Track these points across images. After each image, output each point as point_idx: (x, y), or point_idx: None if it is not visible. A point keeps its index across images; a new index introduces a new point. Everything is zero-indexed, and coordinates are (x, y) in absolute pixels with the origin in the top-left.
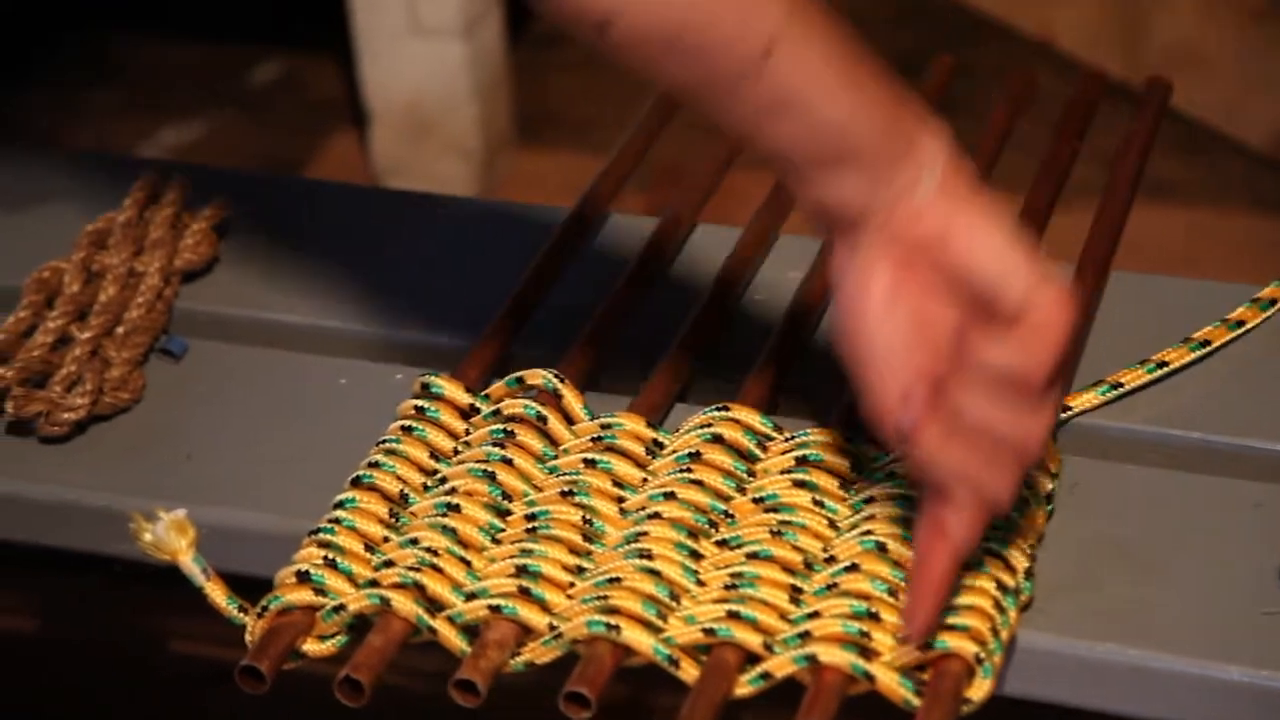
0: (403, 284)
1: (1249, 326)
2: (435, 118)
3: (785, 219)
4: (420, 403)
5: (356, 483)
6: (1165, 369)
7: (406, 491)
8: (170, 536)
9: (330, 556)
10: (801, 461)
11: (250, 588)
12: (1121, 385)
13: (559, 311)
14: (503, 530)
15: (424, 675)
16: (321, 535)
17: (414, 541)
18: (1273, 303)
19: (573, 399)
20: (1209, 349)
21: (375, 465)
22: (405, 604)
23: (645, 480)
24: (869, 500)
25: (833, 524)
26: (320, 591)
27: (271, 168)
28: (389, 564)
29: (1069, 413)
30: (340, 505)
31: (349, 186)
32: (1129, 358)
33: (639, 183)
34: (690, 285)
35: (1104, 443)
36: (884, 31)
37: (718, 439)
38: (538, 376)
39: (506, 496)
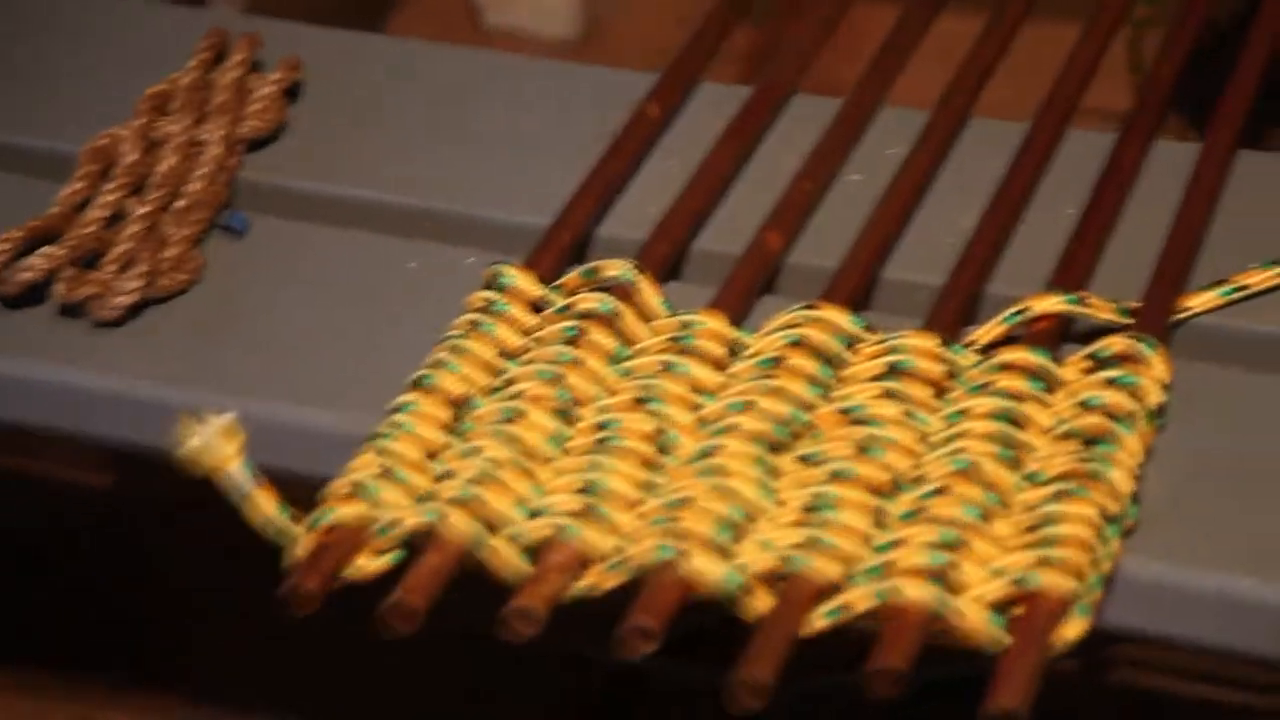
0: (484, 158)
1: None
2: None
3: (887, 90)
4: (489, 294)
5: (418, 384)
6: None
7: (471, 394)
8: (218, 443)
9: (387, 465)
10: (893, 369)
11: (309, 489)
12: (1247, 287)
13: (644, 191)
14: (571, 439)
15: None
16: (379, 442)
17: (476, 450)
18: None
19: (650, 293)
20: None
21: (438, 365)
22: (463, 521)
23: (725, 385)
24: (964, 413)
25: (924, 438)
26: (375, 504)
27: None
28: (449, 475)
29: (1185, 313)
30: (400, 409)
31: (431, 46)
32: (1258, 252)
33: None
34: (783, 163)
35: (1223, 346)
36: None
37: (803, 341)
38: (615, 266)
39: (576, 401)
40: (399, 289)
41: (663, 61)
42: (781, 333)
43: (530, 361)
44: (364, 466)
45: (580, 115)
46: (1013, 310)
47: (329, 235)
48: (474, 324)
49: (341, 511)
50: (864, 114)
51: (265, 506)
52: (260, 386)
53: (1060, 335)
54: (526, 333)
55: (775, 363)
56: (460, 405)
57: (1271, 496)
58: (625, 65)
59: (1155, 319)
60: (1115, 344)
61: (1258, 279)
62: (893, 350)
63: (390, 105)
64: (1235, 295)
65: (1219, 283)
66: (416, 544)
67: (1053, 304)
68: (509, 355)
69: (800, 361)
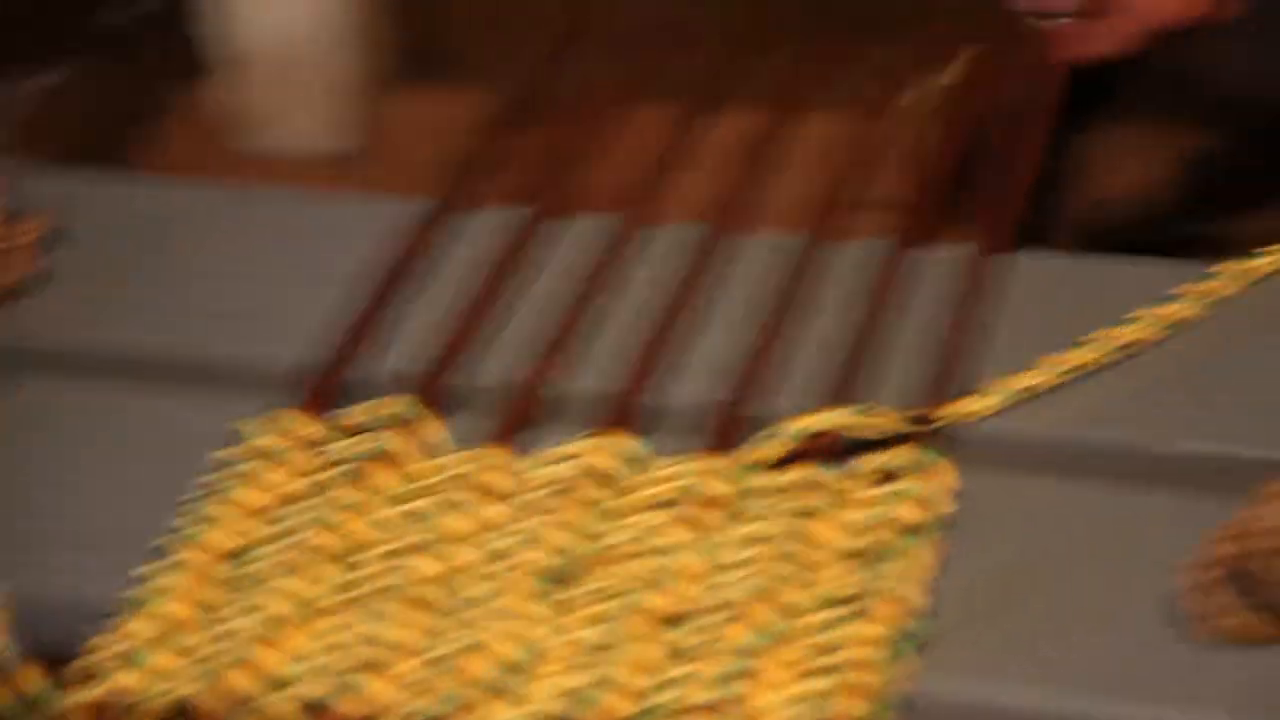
0: (249, 296)
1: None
2: (307, 61)
3: (657, 206)
4: (264, 439)
5: (189, 538)
6: (1070, 374)
7: (247, 545)
8: None
9: (159, 629)
10: (680, 493)
11: (77, 660)
12: (1028, 389)
13: (418, 322)
14: (354, 587)
15: None
16: (150, 604)
17: (254, 607)
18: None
19: (432, 428)
20: (1121, 350)
21: (210, 518)
22: (241, 682)
23: (511, 520)
24: (753, 535)
25: (714, 563)
26: (148, 671)
27: (129, 121)
28: (226, 634)
29: (967, 419)
30: (171, 567)
31: (187, 185)
32: (1034, 352)
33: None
34: (557, 287)
35: (1002, 450)
36: None
37: (587, 470)
38: (393, 403)
39: (359, 547)
40: (165, 439)
41: (440, 174)
42: (564, 462)
43: (309, 507)
44: (134, 632)
45: (347, 245)
46: (797, 426)
47: (85, 389)
48: (248, 470)
49: (113, 682)
50: (634, 232)
51: (31, 684)
52: (12, 557)
53: (846, 448)
54: (305, 476)
55: (560, 493)
56: (236, 557)
57: (1063, 602)
58: (399, 180)
59: (936, 429)
60: (899, 455)
61: (1036, 380)
62: (678, 474)
63: (148, 248)
64: (1016, 399)
65: (999, 386)
66: (193, 709)
67: (835, 417)
68: (287, 501)
69: (585, 491)
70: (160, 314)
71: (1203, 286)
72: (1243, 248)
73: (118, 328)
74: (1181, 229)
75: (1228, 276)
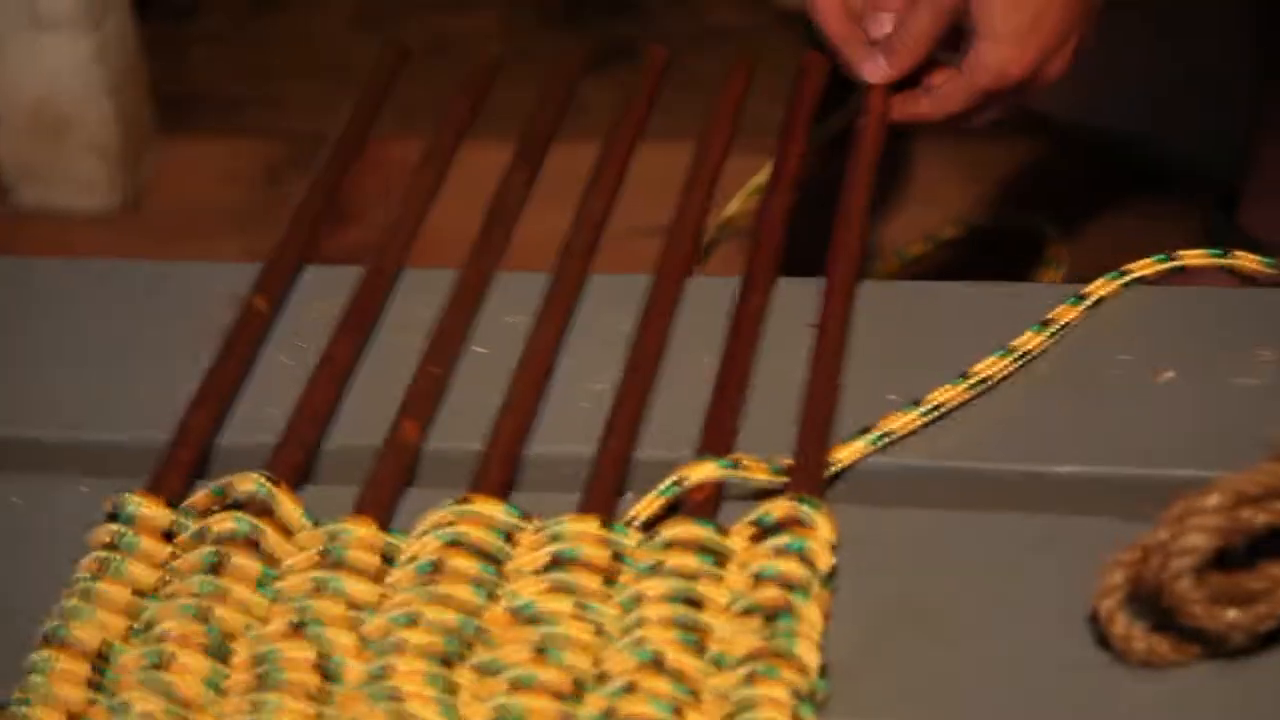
0: (79, 374)
1: (1025, 353)
2: (68, 116)
3: (501, 254)
4: (114, 528)
5: (49, 639)
6: (938, 410)
7: (110, 641)
8: None
9: None
10: (557, 559)
11: None
12: (892, 433)
13: (261, 391)
14: (227, 678)
15: None
16: (12, 710)
17: (125, 706)
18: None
19: (289, 505)
20: (984, 382)
21: (69, 614)
22: None
23: (384, 597)
24: (638, 599)
25: (600, 630)
26: None
27: None
28: None
29: (837, 465)
30: (32, 670)
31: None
32: (892, 387)
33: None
34: (404, 343)
35: (876, 486)
36: None
37: (460, 540)
38: (246, 481)
39: (227, 636)
40: (5, 531)
41: (211, 224)
42: (435, 533)
43: (171, 597)
44: None
45: (175, 315)
46: (669, 481)
47: None
48: (102, 563)
49: None
50: (480, 282)
51: None
52: None
53: (718, 501)
54: (161, 565)
55: (434, 567)
56: (100, 656)
57: (960, 639)
58: (172, 232)
59: (811, 477)
60: (778, 508)
61: (901, 423)
62: (554, 538)
63: None
64: (883, 442)
65: (865, 430)
66: None
67: (709, 471)
68: (145, 593)
69: (460, 563)
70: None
71: (1060, 310)
72: None
73: None
74: None
75: (1069, 301)
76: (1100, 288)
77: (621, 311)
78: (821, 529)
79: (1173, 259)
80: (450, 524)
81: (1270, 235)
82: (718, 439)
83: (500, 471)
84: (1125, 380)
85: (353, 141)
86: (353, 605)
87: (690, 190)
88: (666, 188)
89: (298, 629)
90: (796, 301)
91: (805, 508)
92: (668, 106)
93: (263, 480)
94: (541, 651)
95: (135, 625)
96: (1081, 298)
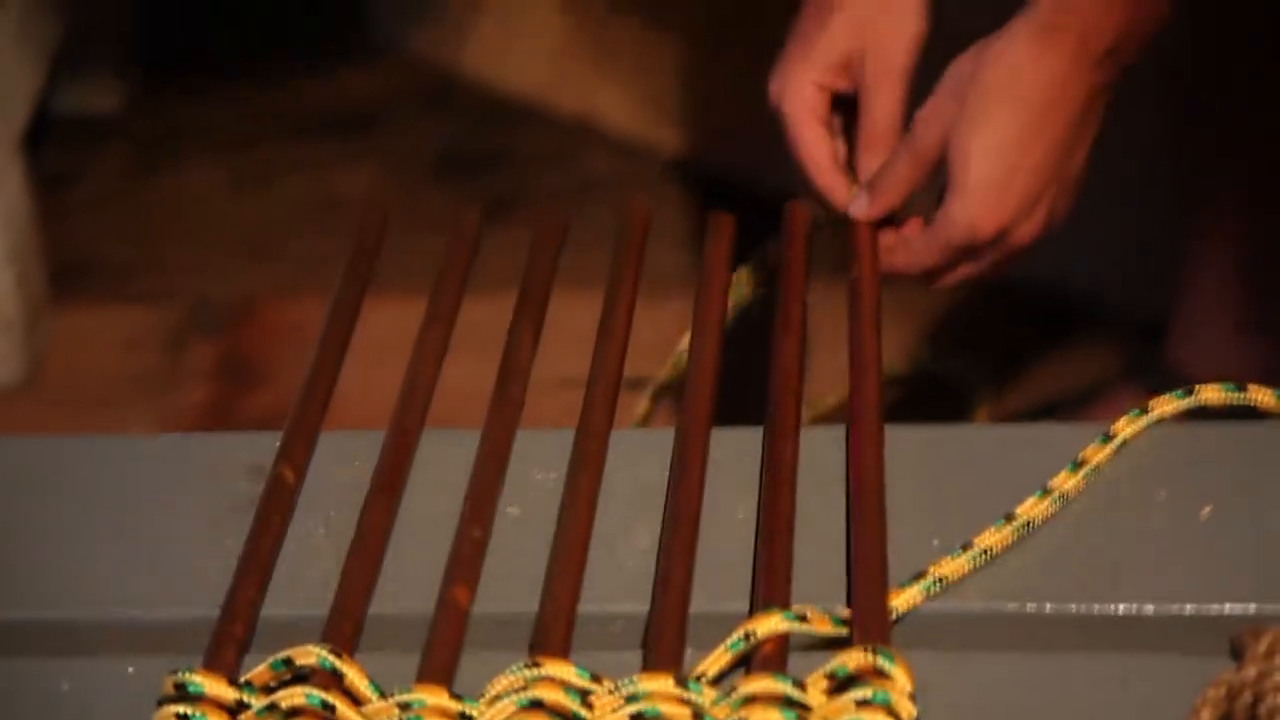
0: (115, 553)
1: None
2: None
3: (519, 415)
4: (178, 709)
5: None
6: (987, 554)
7: None
8: None
9: None
10: (639, 719)
11: None
12: (945, 579)
13: (296, 561)
14: None
15: None
16: None
17: None
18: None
19: (356, 675)
20: (1028, 525)
21: None
22: None
23: None
24: None
25: None
26: None
27: None
28: None
29: (895, 615)
30: None
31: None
32: (937, 528)
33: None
34: (435, 506)
35: (934, 632)
36: (415, 123)
37: (536, 704)
38: (309, 653)
39: None
40: (61, 717)
41: (116, 393)
42: (510, 698)
43: None
44: None
45: (194, 487)
46: (737, 636)
47: None
48: None
49: None
50: (506, 440)
51: None
52: None
53: (786, 653)
54: None
55: None
56: None
57: None
58: (78, 403)
59: (877, 627)
60: (852, 660)
61: (952, 568)
62: (632, 698)
63: None
64: (937, 588)
65: (919, 576)
66: None
67: (775, 625)
68: None
69: None
70: (29, 581)
71: (1090, 450)
72: None
73: None
74: None
75: (1097, 440)
76: (1125, 426)
77: (653, 465)
78: (899, 679)
79: (1193, 395)
80: (524, 688)
81: (1195, 370)
82: (775, 590)
83: (562, 632)
84: (1166, 517)
85: (349, 305)
86: None
87: (699, 337)
88: (576, 338)
89: None
90: (827, 444)
91: (881, 659)
92: None
93: (325, 653)
94: None
95: None
96: (1109, 437)
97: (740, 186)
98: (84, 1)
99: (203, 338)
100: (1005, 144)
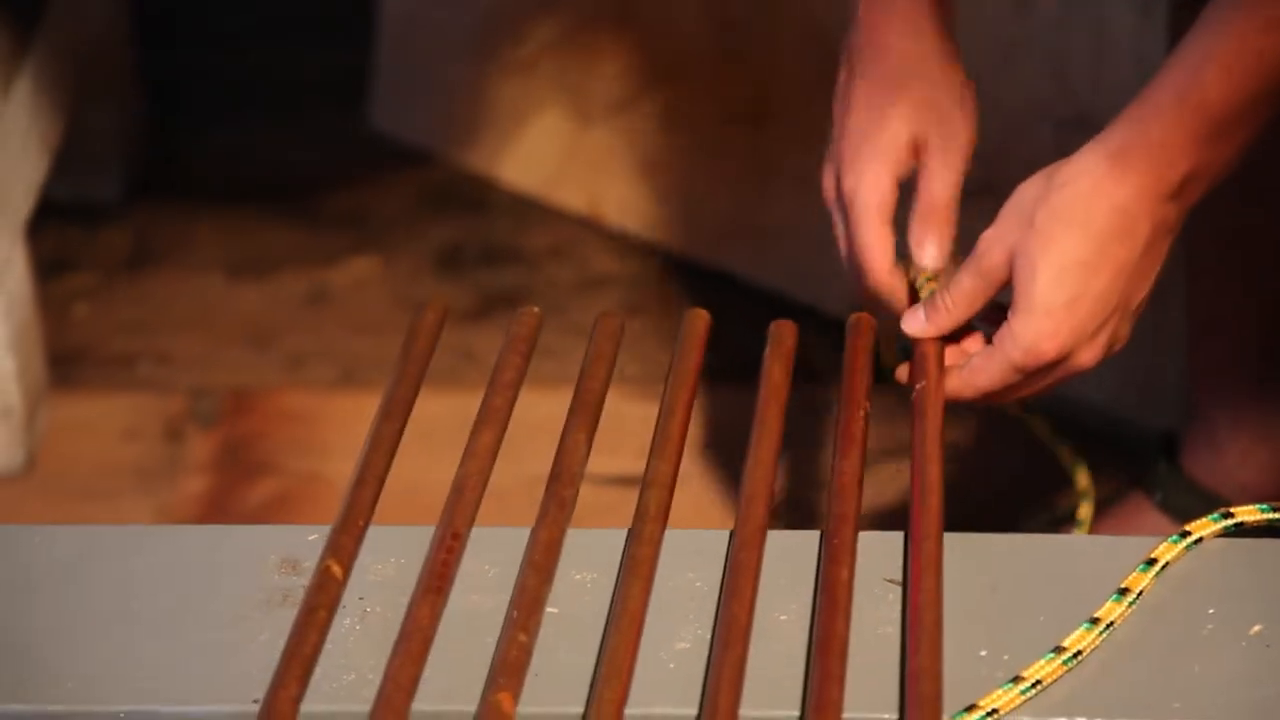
0: (148, 645)
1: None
2: None
3: (570, 515)
4: None
5: None
6: (1038, 687)
7: None
8: None
9: None
10: None
11: None
12: (1040, 682)
13: (337, 657)
14: None
15: None
16: None
17: None
18: (1153, 562)
19: None
20: (1077, 656)
21: None
22: None
23: None
24: None
25: None
26: None
27: None
28: None
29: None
30: None
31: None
32: (1009, 630)
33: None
34: (478, 605)
35: None
36: (416, 217)
37: None
38: None
39: None
40: None
41: (114, 483)
42: None
43: None
44: None
45: (229, 581)
46: None
47: None
48: None
49: None
50: (553, 541)
51: None
52: None
53: None
54: None
55: None
56: None
57: None
58: (76, 493)
59: None
60: None
61: (1005, 701)
62: None
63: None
64: (1032, 693)
65: (970, 709)
66: None
67: None
68: None
69: None
70: (61, 673)
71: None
72: None
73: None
74: None
75: (1139, 569)
76: (1166, 552)
77: (701, 568)
78: None
79: (1230, 517)
80: None
81: (1214, 481)
82: (827, 706)
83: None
84: (1216, 637)
85: (404, 398)
86: None
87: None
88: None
89: None
90: (871, 556)
91: None
92: (550, 351)
93: None
94: None
95: None
96: (1151, 562)
97: (741, 286)
98: (87, 94)
99: (200, 428)
100: (1072, 267)
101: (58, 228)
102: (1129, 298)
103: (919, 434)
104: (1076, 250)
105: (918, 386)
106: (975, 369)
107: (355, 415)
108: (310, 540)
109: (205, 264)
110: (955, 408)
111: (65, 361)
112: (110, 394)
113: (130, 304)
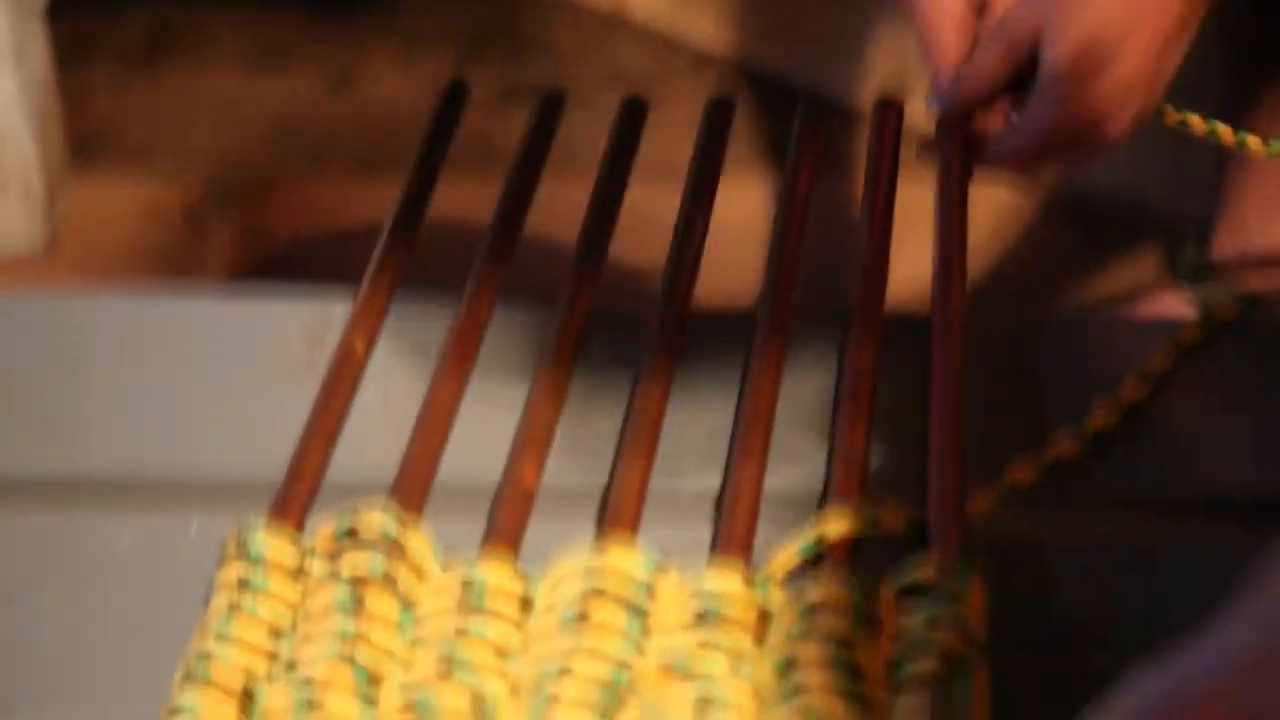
0: (174, 411)
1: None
2: None
3: (595, 286)
4: (245, 566)
5: (190, 680)
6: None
7: (252, 684)
8: None
9: None
10: (703, 617)
11: None
12: (1019, 484)
13: (362, 430)
14: None
15: None
16: None
17: None
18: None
19: (420, 546)
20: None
21: (210, 655)
22: None
23: (524, 645)
24: (792, 663)
25: (756, 693)
26: None
27: None
28: None
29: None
30: (178, 711)
31: (68, 299)
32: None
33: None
34: (509, 383)
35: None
36: (442, 6)
37: (600, 592)
38: (373, 521)
39: (373, 679)
40: (116, 573)
41: (135, 266)
42: (575, 582)
43: (309, 638)
44: None
45: (256, 351)
46: (810, 540)
47: (17, 524)
48: (236, 602)
49: None
50: (581, 317)
51: None
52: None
53: (853, 551)
54: (294, 604)
55: (580, 618)
56: (246, 696)
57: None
58: (96, 275)
59: (951, 539)
60: (925, 573)
61: (1026, 475)
62: (698, 595)
63: (47, 368)
64: (1011, 496)
65: (993, 484)
66: None
67: (848, 528)
68: (279, 633)
69: (606, 615)
70: (91, 437)
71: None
72: None
73: (37, 455)
74: None
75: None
76: (1189, 335)
77: (731, 349)
78: (973, 599)
79: (1254, 303)
80: (588, 575)
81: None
82: (849, 484)
83: (630, 513)
84: (1236, 420)
85: (424, 182)
86: (498, 652)
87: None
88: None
89: (447, 674)
90: (894, 344)
91: (956, 577)
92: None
93: (391, 521)
94: (704, 707)
95: (273, 667)
96: (1176, 344)
97: (773, 83)
98: None
99: (221, 214)
100: (1102, 32)
101: (76, 10)
102: (1156, 72)
103: (942, 223)
104: (1106, 16)
105: (941, 181)
106: (1005, 132)
107: (376, 204)
108: (336, 312)
109: (224, 50)
110: None
111: (84, 146)
112: (129, 178)
113: (148, 92)
